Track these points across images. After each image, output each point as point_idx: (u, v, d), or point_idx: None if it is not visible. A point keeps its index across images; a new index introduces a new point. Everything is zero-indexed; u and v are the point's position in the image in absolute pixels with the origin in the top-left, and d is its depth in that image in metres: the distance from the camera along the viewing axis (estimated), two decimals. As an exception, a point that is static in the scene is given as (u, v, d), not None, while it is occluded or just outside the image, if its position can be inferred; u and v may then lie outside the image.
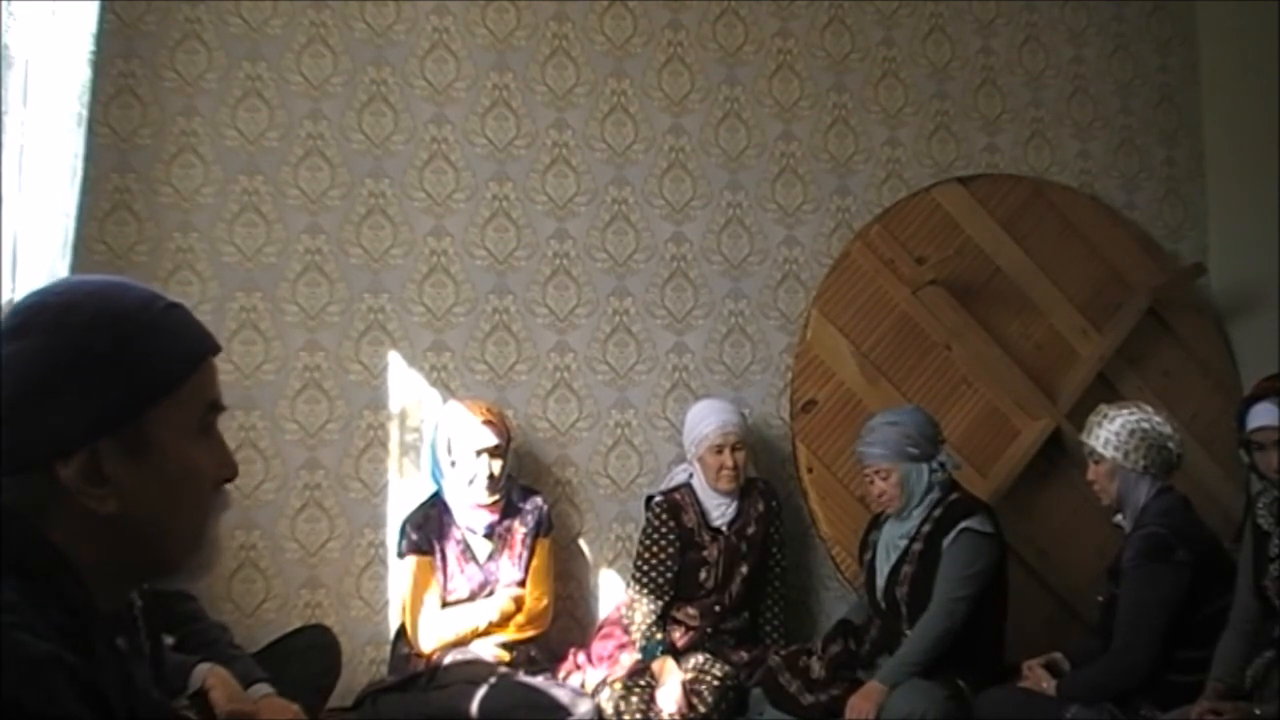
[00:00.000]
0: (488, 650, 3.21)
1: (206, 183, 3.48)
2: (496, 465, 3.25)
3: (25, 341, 1.00)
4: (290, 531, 3.48)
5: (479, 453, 3.23)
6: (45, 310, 1.02)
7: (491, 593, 3.28)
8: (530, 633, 3.31)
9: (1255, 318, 4.12)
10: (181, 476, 1.05)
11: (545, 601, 3.35)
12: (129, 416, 1.01)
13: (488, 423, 3.27)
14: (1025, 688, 2.97)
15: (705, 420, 3.41)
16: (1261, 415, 2.80)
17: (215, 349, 1.12)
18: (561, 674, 3.27)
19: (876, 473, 3.17)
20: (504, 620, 3.25)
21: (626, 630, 3.36)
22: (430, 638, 3.19)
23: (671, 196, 3.84)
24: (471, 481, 3.24)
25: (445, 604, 3.25)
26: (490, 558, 3.31)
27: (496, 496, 3.28)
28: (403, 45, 3.65)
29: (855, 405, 3.70)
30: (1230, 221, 4.28)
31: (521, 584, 3.33)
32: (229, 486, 1.13)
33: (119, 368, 1.01)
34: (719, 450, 3.37)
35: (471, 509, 3.28)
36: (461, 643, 3.20)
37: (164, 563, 1.07)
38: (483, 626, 3.22)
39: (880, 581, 3.19)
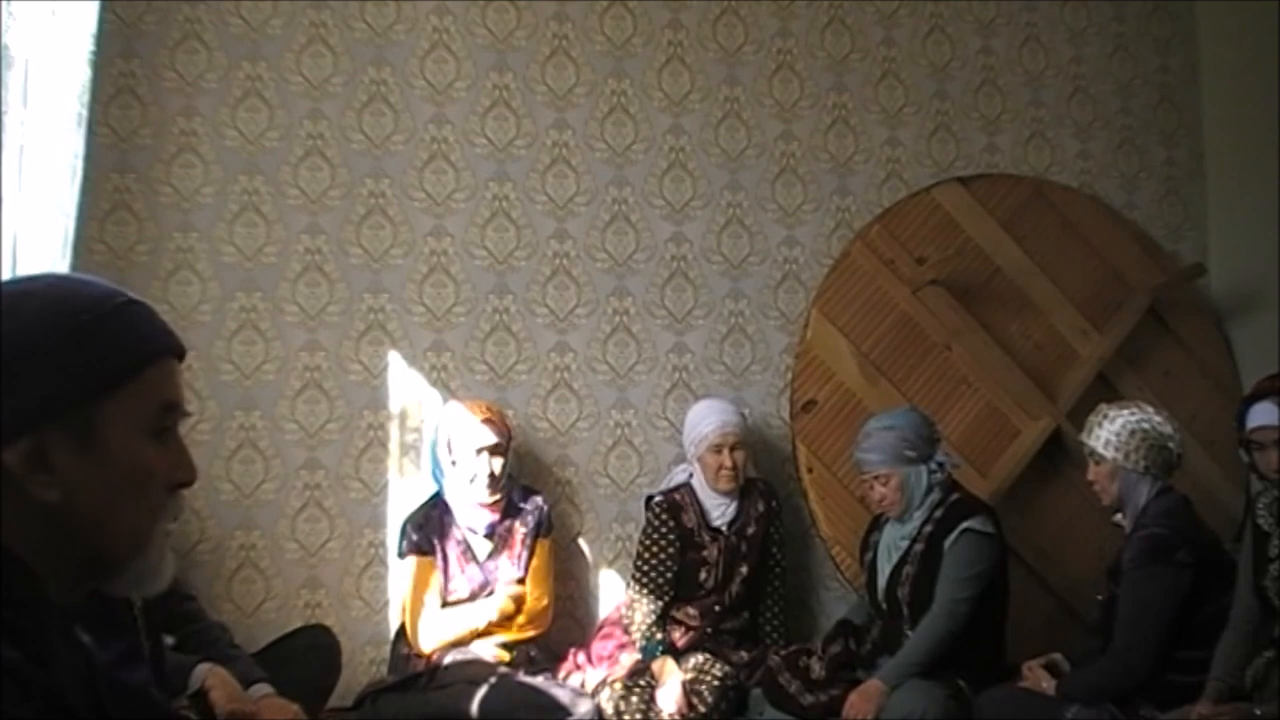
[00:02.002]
0: (488, 650, 3.21)
1: (206, 183, 3.48)
2: (497, 464, 3.25)
3: None
4: (290, 531, 3.47)
5: (479, 451, 3.24)
6: (2, 299, 1.02)
7: (492, 593, 3.28)
8: (530, 633, 3.31)
9: (1255, 318, 4.12)
10: (127, 473, 1.04)
11: (545, 601, 3.35)
12: (75, 406, 1.01)
13: (487, 421, 3.27)
14: (1025, 688, 2.97)
15: (705, 420, 3.42)
16: (1261, 415, 2.80)
17: (175, 350, 1.11)
18: (561, 674, 3.27)
19: (875, 478, 3.16)
20: (504, 620, 3.25)
21: (626, 630, 3.36)
22: (430, 638, 3.19)
23: (671, 196, 3.84)
24: (472, 480, 3.24)
25: (446, 604, 3.25)
26: (490, 557, 3.31)
27: (498, 496, 3.28)
28: (403, 45, 3.65)
29: (855, 405, 3.70)
30: (1230, 221, 4.28)
31: (521, 583, 3.33)
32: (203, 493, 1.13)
33: (67, 357, 1.01)
34: (718, 450, 3.37)
35: (473, 509, 3.28)
36: (461, 643, 3.20)
37: (105, 560, 1.05)
38: (481, 627, 3.22)
39: (881, 582, 3.19)
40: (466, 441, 3.25)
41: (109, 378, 1.03)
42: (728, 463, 3.36)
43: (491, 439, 3.25)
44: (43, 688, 0.90)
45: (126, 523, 1.05)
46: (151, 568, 1.08)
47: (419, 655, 3.20)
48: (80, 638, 1.04)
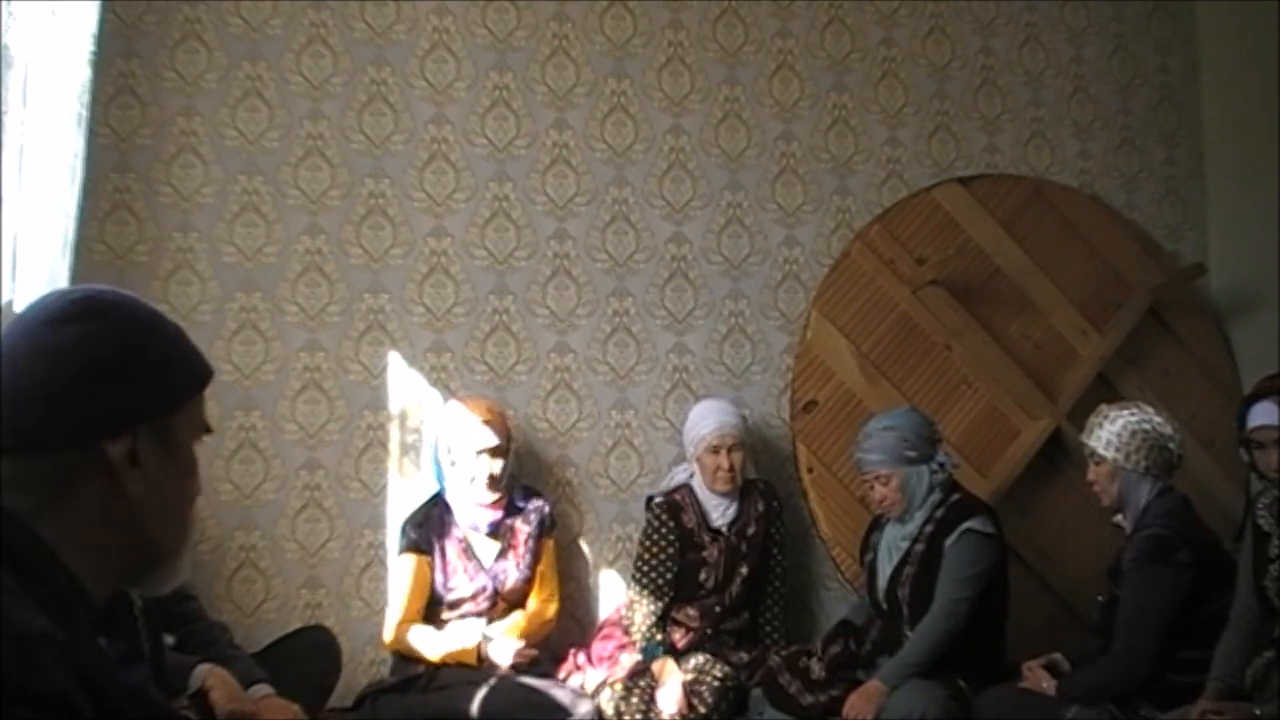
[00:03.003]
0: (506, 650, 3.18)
1: (206, 183, 3.48)
2: (497, 465, 3.25)
3: (92, 325, 1.07)
4: (290, 531, 3.47)
5: (479, 453, 3.23)
6: (106, 303, 1.10)
7: (495, 593, 3.27)
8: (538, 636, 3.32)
9: (1255, 318, 4.12)
10: (189, 476, 1.15)
11: (554, 606, 3.38)
12: (169, 408, 1.10)
13: (487, 423, 3.27)
14: (1025, 688, 2.97)
15: (704, 421, 3.41)
16: (1261, 414, 2.80)
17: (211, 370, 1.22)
18: (561, 675, 3.27)
19: (876, 478, 3.16)
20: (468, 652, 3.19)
21: (626, 631, 3.36)
22: (402, 641, 3.19)
23: (671, 196, 3.84)
24: (473, 480, 3.24)
25: (446, 603, 3.25)
26: (497, 559, 3.30)
27: (498, 495, 3.28)
28: (403, 45, 3.65)
29: (855, 405, 3.70)
30: (1230, 221, 4.28)
31: (528, 582, 3.33)
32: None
33: (169, 363, 1.11)
34: (715, 451, 3.37)
35: (474, 507, 3.28)
36: (420, 658, 3.17)
37: (160, 553, 1.13)
38: (439, 656, 3.15)
39: (882, 582, 3.19)
40: (466, 443, 3.25)
41: (190, 387, 1.14)
42: (725, 464, 3.36)
43: (491, 441, 3.25)
44: (81, 669, 0.93)
45: (181, 520, 1.15)
46: (183, 564, 1.16)
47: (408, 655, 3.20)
48: (101, 644, 1.07)
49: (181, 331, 1.16)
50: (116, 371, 1.06)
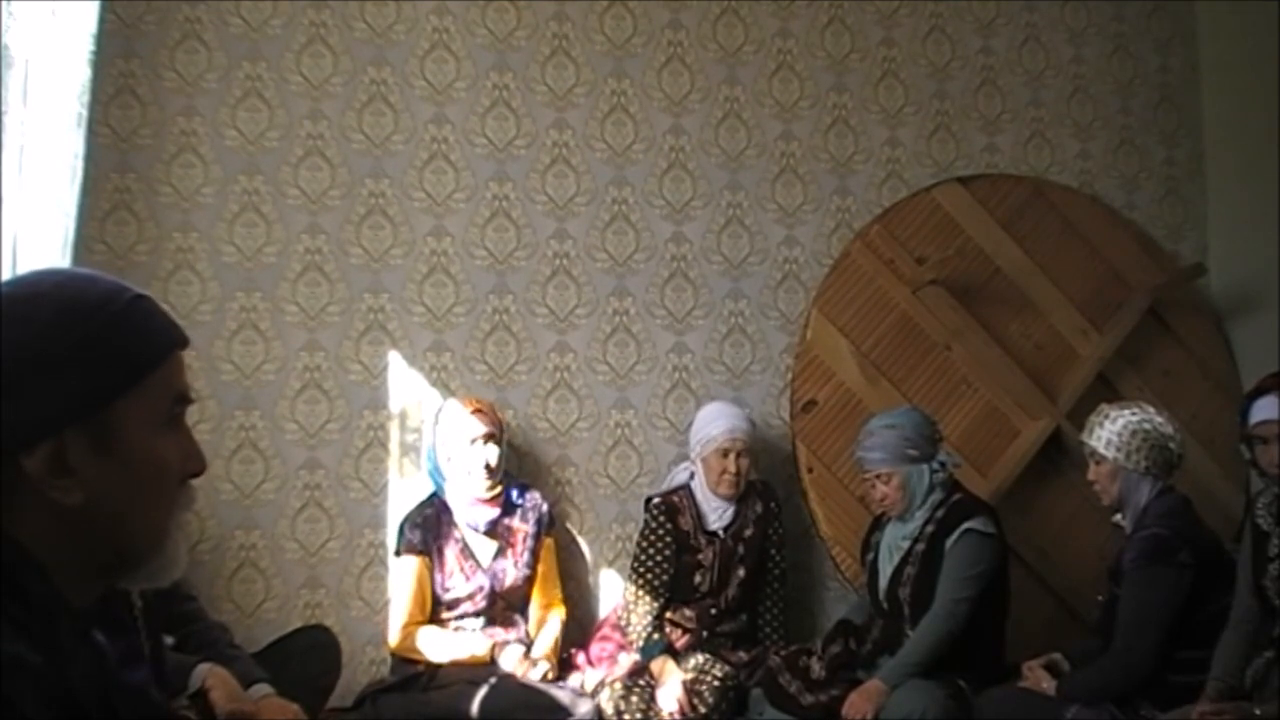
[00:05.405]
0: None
1: (206, 183, 3.48)
2: (492, 453, 3.25)
3: None
4: (290, 531, 3.47)
5: (472, 441, 3.24)
6: (11, 302, 1.02)
7: (493, 593, 3.27)
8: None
9: (1255, 318, 4.12)
10: (146, 469, 1.04)
11: (560, 611, 3.39)
12: (93, 409, 1.01)
13: (476, 412, 3.29)
14: (1025, 688, 2.97)
15: (715, 422, 3.41)
16: (1264, 409, 2.80)
17: (183, 342, 1.11)
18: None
19: (878, 477, 3.16)
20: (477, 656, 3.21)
21: (623, 632, 3.35)
22: (406, 643, 3.20)
23: (671, 196, 3.84)
24: (470, 472, 3.24)
25: (443, 603, 3.25)
26: (495, 558, 3.30)
27: (497, 490, 3.29)
28: (403, 45, 3.65)
29: (855, 405, 3.70)
30: (1230, 221, 4.28)
31: (528, 581, 3.33)
32: (198, 481, 1.11)
33: (84, 360, 1.01)
34: (724, 454, 3.37)
35: (472, 505, 3.28)
36: (424, 659, 3.18)
37: (128, 557, 1.06)
38: (448, 661, 3.16)
39: (883, 582, 3.19)
40: (459, 434, 3.26)
41: (124, 378, 1.03)
42: (732, 468, 3.36)
43: (483, 428, 3.26)
44: (60, 691, 0.91)
45: (147, 519, 1.05)
46: (169, 560, 1.08)
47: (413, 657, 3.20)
48: (96, 639, 1.03)
49: (123, 312, 1.04)
50: (15, 383, 0.97)
